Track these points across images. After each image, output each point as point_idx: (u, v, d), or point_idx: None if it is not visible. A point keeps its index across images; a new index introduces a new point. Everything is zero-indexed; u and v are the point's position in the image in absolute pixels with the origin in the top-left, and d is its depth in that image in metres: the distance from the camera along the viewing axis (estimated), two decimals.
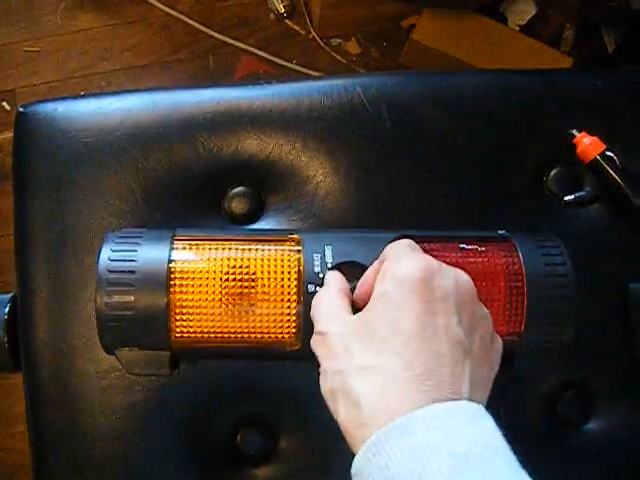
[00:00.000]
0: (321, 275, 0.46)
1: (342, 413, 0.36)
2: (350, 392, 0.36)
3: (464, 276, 0.40)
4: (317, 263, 0.46)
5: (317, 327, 0.41)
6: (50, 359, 0.60)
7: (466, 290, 0.39)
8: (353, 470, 0.35)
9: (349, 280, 0.44)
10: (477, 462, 0.32)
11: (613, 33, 1.31)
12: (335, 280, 0.44)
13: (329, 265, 0.46)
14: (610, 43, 1.31)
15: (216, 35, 1.43)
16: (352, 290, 0.43)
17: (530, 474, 0.33)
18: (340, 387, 0.37)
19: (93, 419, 0.60)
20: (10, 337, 0.63)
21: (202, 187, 0.62)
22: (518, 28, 1.33)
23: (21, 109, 0.64)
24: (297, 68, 1.42)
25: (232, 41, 1.43)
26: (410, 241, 0.43)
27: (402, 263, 0.39)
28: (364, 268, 0.43)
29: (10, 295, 0.65)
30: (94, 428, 0.60)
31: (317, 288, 0.45)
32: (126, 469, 0.59)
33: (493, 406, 0.60)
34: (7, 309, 0.64)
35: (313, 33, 1.44)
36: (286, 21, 1.45)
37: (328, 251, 0.46)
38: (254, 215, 0.62)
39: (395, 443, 0.33)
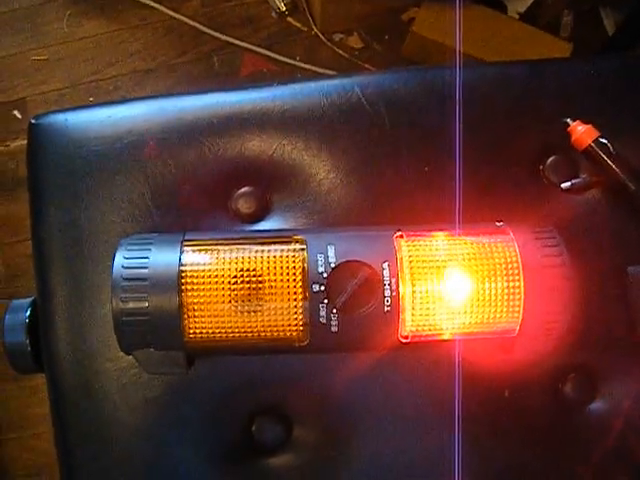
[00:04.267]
0: (325, 275, 0.48)
1: None
2: None
3: None
4: (321, 263, 0.48)
5: None
6: (70, 360, 0.63)
7: None
8: None
9: (352, 277, 0.46)
10: None
11: (613, 16, 1.31)
12: None
13: (332, 264, 0.48)
14: (610, 26, 1.31)
15: (219, 36, 1.46)
16: (356, 286, 0.45)
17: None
18: None
19: (114, 416, 0.62)
20: (32, 340, 0.66)
21: (209, 189, 0.64)
22: (518, 16, 1.34)
23: (33, 120, 0.66)
24: (301, 65, 1.44)
25: (235, 41, 1.45)
26: None
27: None
28: (366, 265, 0.45)
29: (30, 299, 0.68)
30: (116, 425, 0.62)
31: (321, 288, 0.48)
32: (147, 461, 0.62)
33: (497, 388, 0.62)
34: (28, 313, 0.67)
35: (315, 29, 1.46)
36: (288, 19, 1.47)
37: (331, 251, 0.48)
38: (260, 214, 0.64)
39: None
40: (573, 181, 0.64)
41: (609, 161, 0.62)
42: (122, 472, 0.63)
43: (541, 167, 0.65)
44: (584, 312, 0.57)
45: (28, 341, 0.66)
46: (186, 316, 0.48)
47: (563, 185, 0.64)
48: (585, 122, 0.63)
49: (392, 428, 0.62)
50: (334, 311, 0.48)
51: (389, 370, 0.62)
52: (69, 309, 0.63)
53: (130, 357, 0.61)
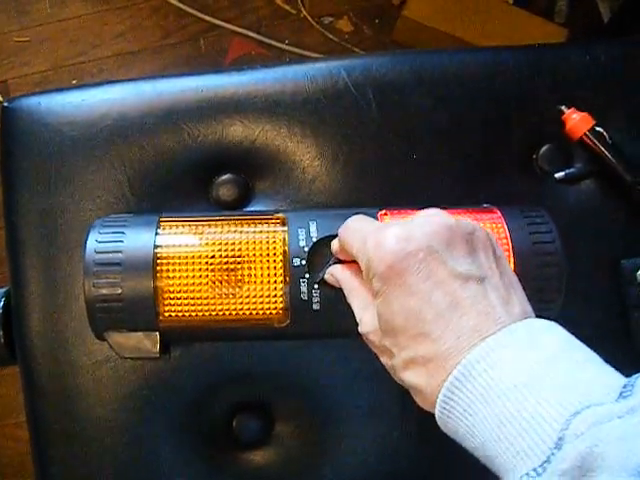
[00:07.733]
0: (306, 249, 0.46)
1: (414, 396, 0.39)
2: (407, 382, 0.38)
3: (422, 219, 0.39)
4: (302, 237, 0.47)
5: (359, 327, 0.42)
6: (44, 352, 0.61)
7: (434, 229, 0.38)
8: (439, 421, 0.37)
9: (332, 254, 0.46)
10: (538, 383, 0.33)
11: (608, 2, 1.29)
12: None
13: (314, 239, 0.46)
14: (605, 13, 1.29)
15: (206, 18, 1.42)
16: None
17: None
18: (399, 380, 0.39)
19: (89, 410, 0.60)
20: (5, 331, 0.64)
21: (189, 175, 0.62)
22: (512, 1, 1.31)
23: (6, 104, 0.64)
24: (289, 48, 1.41)
25: (223, 23, 1.42)
26: (360, 217, 0.44)
27: (375, 255, 0.38)
28: None
29: (4, 290, 0.66)
30: (90, 419, 0.60)
31: (302, 262, 0.46)
32: (123, 457, 0.60)
33: None
34: (1, 304, 0.65)
35: (304, 12, 1.43)
36: (276, 1, 1.44)
37: (312, 226, 0.47)
38: (242, 202, 0.62)
39: (463, 391, 0.34)
40: (567, 171, 0.62)
41: (605, 151, 0.60)
42: (98, 467, 0.61)
43: (534, 156, 0.63)
44: (575, 304, 0.55)
45: (1, 332, 0.64)
46: (161, 295, 0.46)
47: (557, 175, 0.62)
48: (580, 110, 0.61)
49: (376, 422, 0.60)
50: (315, 287, 0.46)
51: (373, 364, 0.60)
52: (43, 300, 0.61)
53: (106, 351, 0.59)
